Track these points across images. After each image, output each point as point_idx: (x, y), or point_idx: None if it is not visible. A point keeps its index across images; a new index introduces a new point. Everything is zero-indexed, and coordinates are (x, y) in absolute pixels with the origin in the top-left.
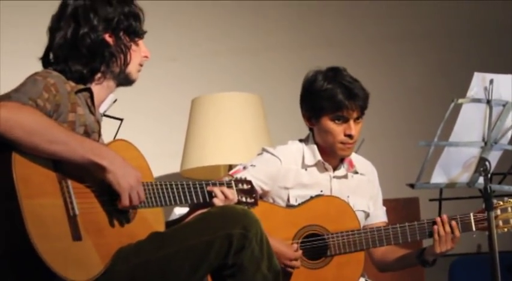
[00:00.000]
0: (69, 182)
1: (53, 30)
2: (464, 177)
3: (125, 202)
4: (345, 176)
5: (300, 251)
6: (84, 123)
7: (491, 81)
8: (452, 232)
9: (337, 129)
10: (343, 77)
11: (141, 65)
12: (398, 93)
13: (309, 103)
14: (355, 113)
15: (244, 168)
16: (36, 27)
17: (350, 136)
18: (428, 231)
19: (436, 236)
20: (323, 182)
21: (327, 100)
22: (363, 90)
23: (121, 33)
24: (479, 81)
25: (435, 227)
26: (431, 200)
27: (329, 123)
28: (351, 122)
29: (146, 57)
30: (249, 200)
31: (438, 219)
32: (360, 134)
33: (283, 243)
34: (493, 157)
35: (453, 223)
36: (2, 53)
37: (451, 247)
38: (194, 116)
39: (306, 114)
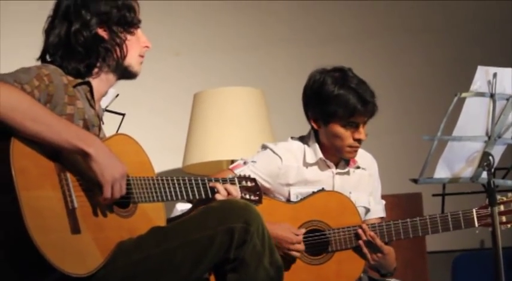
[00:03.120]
0: (68, 174)
1: (47, 30)
2: (468, 172)
3: (107, 194)
4: (347, 173)
5: (303, 231)
6: (83, 117)
7: (494, 75)
8: (374, 242)
9: (347, 134)
10: (352, 80)
11: (142, 56)
12: (401, 87)
13: (319, 107)
14: (366, 117)
15: (245, 163)
16: (36, 28)
17: (359, 141)
18: (430, 227)
19: (362, 247)
20: (325, 179)
21: (339, 107)
22: (372, 92)
23: (114, 26)
24: (482, 75)
25: (360, 241)
26: (434, 195)
27: (339, 129)
28: (361, 126)
29: (147, 47)
30: (252, 197)
31: (360, 230)
32: None
33: (284, 228)
34: (497, 152)
35: (371, 233)
36: (2, 52)
37: (380, 257)
38: (196, 111)
39: (314, 116)
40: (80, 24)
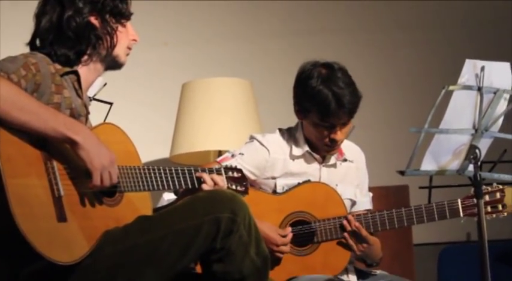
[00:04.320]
0: (55, 163)
1: (38, 15)
2: (455, 164)
3: (96, 181)
4: (334, 165)
5: (290, 235)
6: (70, 106)
7: (482, 68)
8: (359, 233)
9: (322, 133)
10: (336, 80)
11: (129, 48)
12: (390, 80)
13: (299, 99)
14: (341, 120)
15: (233, 156)
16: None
17: (334, 141)
18: (416, 217)
19: (348, 238)
20: (312, 171)
21: (314, 105)
22: (354, 96)
23: (107, 16)
24: (470, 68)
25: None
26: (421, 187)
27: (314, 126)
28: (337, 127)
29: (134, 40)
30: (239, 188)
31: (345, 221)
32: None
33: (271, 228)
34: (484, 145)
35: (356, 224)
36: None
37: (366, 247)
38: (184, 101)
39: (296, 107)
40: (73, 10)
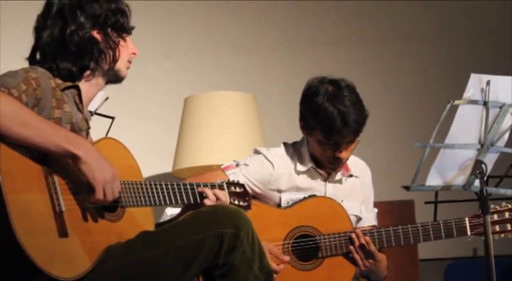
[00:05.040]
0: (56, 177)
1: (39, 29)
2: (460, 179)
3: (99, 195)
4: (339, 181)
5: (286, 258)
6: (71, 121)
7: (488, 83)
8: (368, 246)
9: (327, 151)
10: (343, 99)
11: (129, 62)
12: (394, 94)
13: (305, 116)
14: (346, 139)
15: (237, 165)
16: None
17: (338, 159)
18: (422, 234)
19: (354, 253)
20: (317, 187)
21: (319, 123)
22: (360, 115)
23: (109, 30)
24: (476, 83)
25: (351, 247)
26: (426, 202)
27: (319, 143)
28: (342, 146)
29: (134, 54)
30: (242, 203)
31: (353, 235)
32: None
33: (270, 250)
34: (490, 160)
35: (366, 238)
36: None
37: (372, 263)
38: (187, 115)
39: (301, 123)
40: (76, 25)
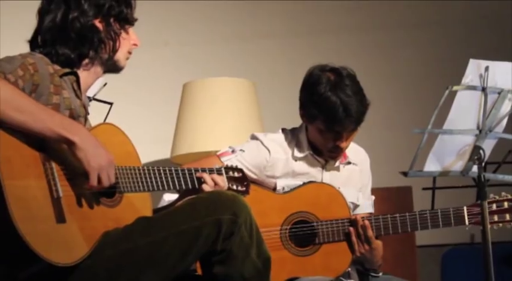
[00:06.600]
0: (53, 164)
1: (42, 12)
2: (458, 165)
3: (93, 181)
4: (337, 168)
5: None
6: (70, 107)
7: (486, 68)
8: (365, 232)
9: (327, 139)
10: (345, 88)
11: (129, 53)
12: (392, 80)
13: (306, 104)
14: (347, 128)
15: (233, 151)
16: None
17: (338, 148)
18: (420, 223)
19: (352, 237)
20: (314, 173)
21: (321, 112)
22: (362, 105)
23: (111, 20)
24: (474, 68)
25: (350, 228)
26: (424, 189)
27: (320, 131)
28: (343, 135)
29: (135, 45)
30: (240, 188)
31: (358, 216)
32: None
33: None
34: (488, 146)
35: (366, 222)
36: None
37: (367, 249)
38: (185, 102)
39: (301, 112)
40: (78, 12)
